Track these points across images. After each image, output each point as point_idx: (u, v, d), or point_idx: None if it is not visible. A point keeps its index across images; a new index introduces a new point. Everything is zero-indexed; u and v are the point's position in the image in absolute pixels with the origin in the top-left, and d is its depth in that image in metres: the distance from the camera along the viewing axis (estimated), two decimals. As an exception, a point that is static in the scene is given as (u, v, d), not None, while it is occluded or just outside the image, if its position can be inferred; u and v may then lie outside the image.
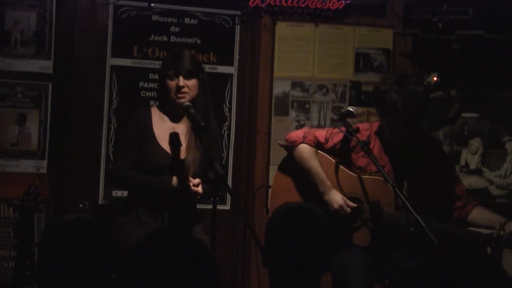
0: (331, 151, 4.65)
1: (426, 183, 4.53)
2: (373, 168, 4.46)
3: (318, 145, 4.64)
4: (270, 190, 4.90)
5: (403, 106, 4.33)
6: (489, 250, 4.68)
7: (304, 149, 4.62)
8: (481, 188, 5.72)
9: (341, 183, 4.58)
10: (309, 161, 4.60)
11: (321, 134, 4.67)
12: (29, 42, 5.43)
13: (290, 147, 4.68)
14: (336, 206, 4.46)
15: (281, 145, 4.80)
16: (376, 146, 4.58)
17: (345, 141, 4.60)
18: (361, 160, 4.56)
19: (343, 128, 4.55)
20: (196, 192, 4.36)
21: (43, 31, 5.44)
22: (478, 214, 4.55)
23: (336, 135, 4.63)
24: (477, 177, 5.76)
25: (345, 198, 4.49)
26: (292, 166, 4.71)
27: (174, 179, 4.38)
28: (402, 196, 4.14)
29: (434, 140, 5.06)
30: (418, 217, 3.99)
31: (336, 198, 4.48)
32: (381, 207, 4.44)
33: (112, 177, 5.07)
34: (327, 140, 4.64)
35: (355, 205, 4.48)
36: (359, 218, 4.51)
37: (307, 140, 4.63)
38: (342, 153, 4.64)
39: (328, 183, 4.53)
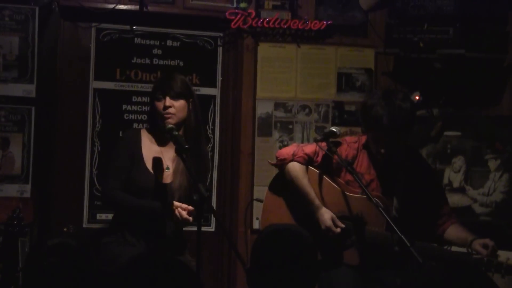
0: (321, 165, 4.62)
1: (413, 200, 4.53)
2: (363, 181, 4.44)
3: (308, 161, 4.61)
4: (262, 205, 4.87)
5: (388, 121, 4.31)
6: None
7: (294, 167, 4.60)
8: (464, 206, 5.74)
9: (331, 201, 4.54)
10: (298, 180, 4.57)
11: (310, 149, 4.63)
12: (12, 66, 5.42)
13: (281, 165, 4.68)
14: (323, 227, 4.45)
15: (272, 164, 4.77)
16: (364, 160, 4.58)
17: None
18: (349, 174, 4.55)
19: (325, 147, 4.53)
20: (187, 220, 4.35)
21: (26, 55, 5.44)
22: (452, 231, 4.55)
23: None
24: (460, 195, 5.77)
25: (335, 218, 4.45)
26: (283, 184, 4.69)
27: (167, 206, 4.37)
28: (385, 215, 4.12)
29: (423, 158, 5.05)
30: (402, 236, 3.98)
31: (325, 218, 4.45)
32: (366, 227, 4.43)
33: (103, 198, 4.96)
34: (317, 154, 4.61)
35: (343, 225, 4.46)
36: (348, 237, 4.50)
37: (297, 157, 4.60)
38: (331, 167, 4.62)
39: (317, 202, 4.50)
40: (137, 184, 4.42)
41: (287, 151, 4.68)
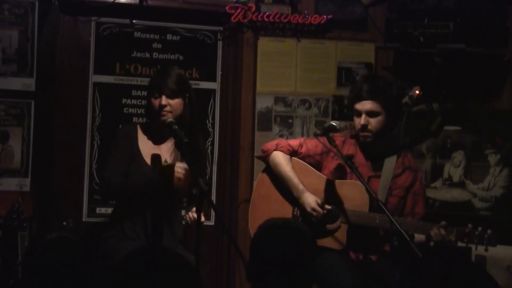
0: (305, 157, 4.72)
1: (393, 194, 4.61)
2: (347, 170, 4.52)
3: (292, 152, 4.71)
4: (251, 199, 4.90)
5: (366, 90, 4.49)
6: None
7: (278, 155, 4.70)
8: (464, 200, 5.73)
9: (317, 187, 4.60)
10: (282, 166, 4.67)
11: (294, 141, 4.77)
12: (11, 60, 5.42)
13: (265, 157, 4.72)
14: (308, 209, 4.50)
15: (257, 157, 4.86)
16: (350, 148, 4.67)
17: (318, 146, 4.64)
18: (333, 162, 4.64)
19: (326, 143, 4.57)
20: (179, 178, 4.33)
21: (25, 49, 5.43)
22: None
23: (310, 141, 4.73)
24: (460, 190, 5.76)
25: (319, 201, 4.52)
26: (269, 179, 4.77)
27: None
28: (385, 210, 4.15)
29: (409, 154, 5.03)
30: (402, 231, 4.01)
31: (309, 200, 4.53)
32: (354, 209, 4.47)
33: (104, 189, 4.73)
34: (301, 145, 4.72)
35: (329, 207, 4.50)
36: (334, 221, 4.53)
37: (280, 147, 4.70)
38: (315, 158, 4.71)
39: (301, 186, 4.58)
40: (135, 177, 4.42)
41: (271, 143, 4.80)
